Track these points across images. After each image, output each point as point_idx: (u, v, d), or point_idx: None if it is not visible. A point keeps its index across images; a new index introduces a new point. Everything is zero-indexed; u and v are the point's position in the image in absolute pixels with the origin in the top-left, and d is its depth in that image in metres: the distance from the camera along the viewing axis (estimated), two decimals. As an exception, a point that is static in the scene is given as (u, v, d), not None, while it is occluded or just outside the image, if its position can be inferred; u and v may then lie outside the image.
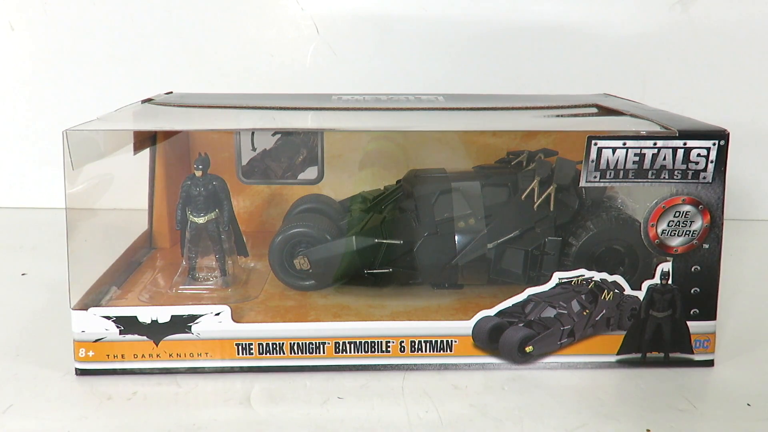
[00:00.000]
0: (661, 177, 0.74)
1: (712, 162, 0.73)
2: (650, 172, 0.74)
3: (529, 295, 0.77)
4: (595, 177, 0.74)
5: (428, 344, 0.76)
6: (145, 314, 0.75)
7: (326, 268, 0.87)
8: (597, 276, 0.77)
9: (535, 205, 0.85)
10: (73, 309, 0.74)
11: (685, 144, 0.73)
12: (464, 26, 1.29)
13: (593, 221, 0.82)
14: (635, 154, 0.73)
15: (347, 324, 0.77)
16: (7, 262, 1.10)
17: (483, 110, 0.88)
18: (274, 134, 1.02)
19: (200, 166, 0.85)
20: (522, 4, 1.29)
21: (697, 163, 0.73)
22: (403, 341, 0.76)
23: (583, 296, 0.76)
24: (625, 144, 0.73)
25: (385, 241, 0.86)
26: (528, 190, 0.85)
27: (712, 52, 1.29)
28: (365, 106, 0.90)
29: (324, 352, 0.76)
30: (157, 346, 0.75)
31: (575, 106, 0.92)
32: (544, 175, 0.85)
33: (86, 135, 0.76)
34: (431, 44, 1.30)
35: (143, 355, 0.75)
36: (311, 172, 1.04)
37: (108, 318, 0.74)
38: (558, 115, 0.88)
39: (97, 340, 0.74)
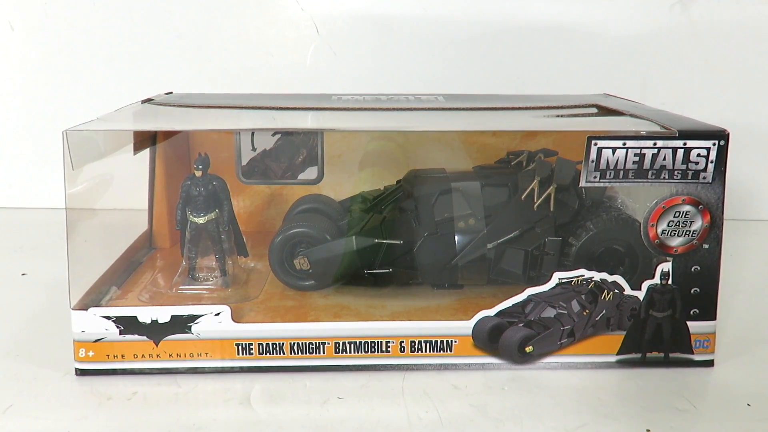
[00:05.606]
0: (661, 177, 0.74)
1: (712, 162, 0.73)
2: (650, 172, 0.74)
3: (529, 295, 0.77)
4: (595, 177, 0.74)
5: (428, 344, 0.76)
6: (145, 314, 0.75)
7: (326, 268, 0.87)
8: (597, 276, 0.77)
9: (535, 205, 0.85)
10: (73, 309, 0.74)
11: (685, 144, 0.73)
12: (464, 26, 1.29)
13: (593, 221, 0.82)
14: (635, 154, 0.73)
15: (347, 324, 0.77)
16: (7, 262, 1.10)
17: (483, 110, 0.88)
18: (274, 134, 1.02)
19: (200, 166, 0.85)
20: (522, 4, 1.29)
21: (697, 163, 0.73)
22: (403, 341, 0.76)
23: (583, 296, 0.76)
24: (625, 144, 0.73)
25: (385, 241, 0.86)
26: (528, 191, 0.85)
27: (712, 52, 1.29)
28: (365, 106, 0.90)
29: (324, 352, 0.76)
30: (157, 346, 0.75)
31: (575, 106, 0.92)
32: (544, 175, 0.85)
33: (86, 135, 0.76)
34: (431, 44, 1.30)
35: (143, 355, 0.75)
36: (311, 172, 1.04)
37: (108, 318, 0.74)
38: (558, 115, 0.88)
39: (97, 340, 0.74)
